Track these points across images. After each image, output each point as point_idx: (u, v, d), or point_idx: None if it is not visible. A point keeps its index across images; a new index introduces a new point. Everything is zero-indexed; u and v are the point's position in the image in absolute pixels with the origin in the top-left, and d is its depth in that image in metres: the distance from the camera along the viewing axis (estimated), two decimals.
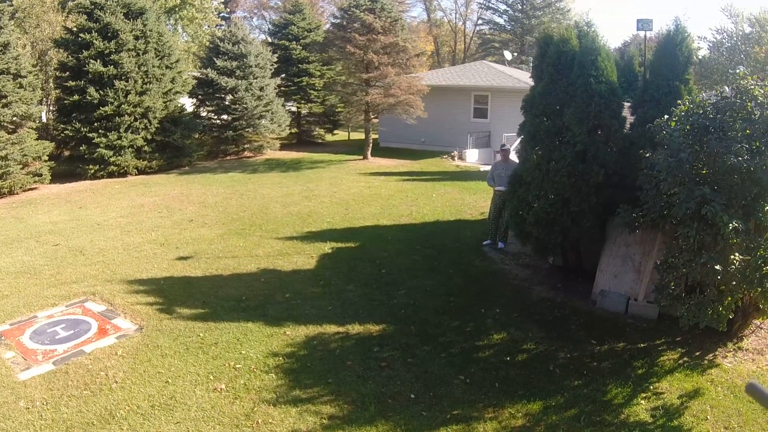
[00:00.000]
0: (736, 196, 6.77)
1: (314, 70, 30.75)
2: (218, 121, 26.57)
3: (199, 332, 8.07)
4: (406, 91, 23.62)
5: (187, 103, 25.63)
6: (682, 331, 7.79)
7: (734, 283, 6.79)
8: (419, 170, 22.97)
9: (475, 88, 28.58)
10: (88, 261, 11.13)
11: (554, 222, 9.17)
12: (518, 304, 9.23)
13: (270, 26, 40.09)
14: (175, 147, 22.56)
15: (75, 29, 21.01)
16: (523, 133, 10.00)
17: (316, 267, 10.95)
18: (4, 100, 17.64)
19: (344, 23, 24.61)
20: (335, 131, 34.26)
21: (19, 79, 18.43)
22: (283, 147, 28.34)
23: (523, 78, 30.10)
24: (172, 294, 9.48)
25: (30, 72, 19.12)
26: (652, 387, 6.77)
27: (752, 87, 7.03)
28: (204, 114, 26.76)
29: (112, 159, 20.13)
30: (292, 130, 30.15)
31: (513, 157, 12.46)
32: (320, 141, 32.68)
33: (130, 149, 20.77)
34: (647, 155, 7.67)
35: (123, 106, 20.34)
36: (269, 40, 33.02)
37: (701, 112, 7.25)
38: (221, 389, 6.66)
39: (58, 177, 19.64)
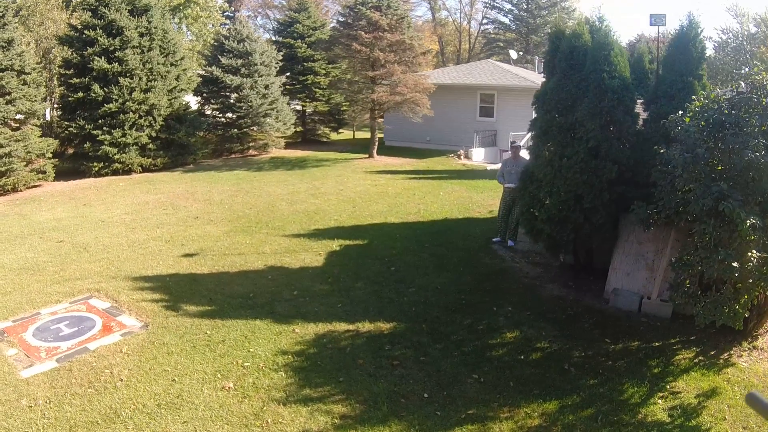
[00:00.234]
0: (752, 192, 6.63)
1: (319, 69, 30.59)
2: (223, 120, 26.42)
3: (206, 330, 7.89)
4: (412, 89, 23.46)
5: (192, 101, 25.50)
6: (696, 330, 7.68)
7: (751, 280, 6.64)
8: (425, 169, 22.80)
9: (482, 86, 28.41)
10: (93, 258, 10.97)
11: (566, 219, 9.01)
12: (530, 302, 9.04)
13: (275, 25, 39.96)
14: (180, 145, 22.43)
15: (79, 26, 20.91)
16: (535, 128, 9.83)
17: (324, 264, 10.77)
18: (8, 97, 17.54)
19: (350, 21, 24.47)
20: (340, 130, 34.12)
21: (23, 76, 18.32)
22: (287, 146, 28.22)
23: (529, 77, 29.96)
24: (178, 291, 9.31)
25: (34, 69, 19.01)
26: (668, 386, 6.61)
27: (767, 83, 6.87)
28: (209, 112, 26.65)
29: (116, 156, 19.99)
30: (297, 129, 30.00)
31: (523, 153, 12.26)
32: (325, 140, 32.53)
33: (134, 147, 20.64)
34: (662, 151, 7.54)
35: (128, 103, 20.22)
36: (274, 38, 32.90)
37: (716, 107, 7.10)
38: (229, 388, 6.48)
39: (62, 175, 19.53)
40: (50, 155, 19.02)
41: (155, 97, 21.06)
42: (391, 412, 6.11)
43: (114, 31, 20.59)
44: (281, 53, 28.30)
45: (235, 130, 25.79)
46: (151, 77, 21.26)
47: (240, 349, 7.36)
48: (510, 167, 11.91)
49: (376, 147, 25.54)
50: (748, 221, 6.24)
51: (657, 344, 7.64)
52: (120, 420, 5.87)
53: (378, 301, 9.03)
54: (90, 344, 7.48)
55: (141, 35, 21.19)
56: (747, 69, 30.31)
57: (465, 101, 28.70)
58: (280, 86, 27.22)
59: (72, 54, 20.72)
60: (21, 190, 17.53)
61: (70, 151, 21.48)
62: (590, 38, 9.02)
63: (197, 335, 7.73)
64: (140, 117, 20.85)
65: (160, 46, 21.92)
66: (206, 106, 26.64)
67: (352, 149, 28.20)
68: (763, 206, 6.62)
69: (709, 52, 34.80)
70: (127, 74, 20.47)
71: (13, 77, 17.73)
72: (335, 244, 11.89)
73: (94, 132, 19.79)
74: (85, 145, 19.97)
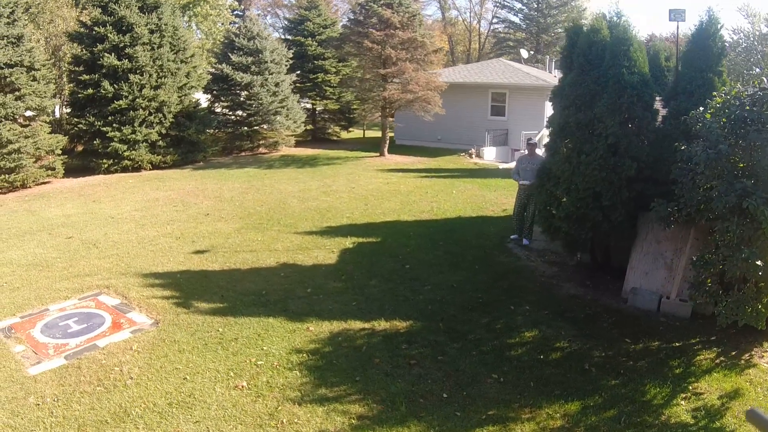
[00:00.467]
0: None
1: (330, 67, 30.43)
2: (233, 117, 26.27)
3: (218, 327, 7.69)
4: (424, 87, 23.25)
5: (202, 99, 25.38)
6: (716, 330, 7.51)
7: None
8: (437, 167, 22.61)
9: (493, 85, 28.21)
10: (102, 254, 10.81)
11: (584, 217, 8.81)
12: (547, 301, 8.84)
13: (284, 23, 39.88)
14: (190, 142, 22.30)
15: (89, 22, 20.81)
16: (552, 125, 9.66)
17: (337, 262, 10.57)
18: (17, 93, 17.44)
19: (361, 18, 24.30)
20: (350, 129, 33.97)
21: (33, 72, 18.22)
22: (297, 144, 28.07)
23: (541, 76, 29.77)
24: (189, 288, 9.12)
25: (44, 65, 18.90)
26: (690, 387, 6.41)
27: None
28: (219, 110, 26.52)
29: (126, 153, 19.87)
30: (307, 127, 29.86)
31: (537, 151, 12.07)
32: (335, 138, 32.37)
33: (144, 144, 20.52)
34: (683, 148, 7.35)
35: (137, 100, 20.09)
36: (284, 36, 32.77)
37: (738, 104, 6.90)
38: (242, 387, 6.27)
39: (71, 171, 19.43)
40: (59, 152, 18.93)
41: (165, 94, 20.92)
42: (409, 412, 5.90)
43: (124, 28, 20.48)
44: (291, 51, 28.15)
45: (245, 128, 25.65)
46: (161, 74, 21.13)
47: (253, 348, 7.15)
48: (525, 164, 11.74)
49: (387, 145, 25.35)
50: None
51: (677, 344, 7.44)
52: (130, 419, 5.68)
53: (393, 299, 8.82)
54: (99, 341, 7.29)
55: (151, 32, 21.06)
56: (758, 69, 29.98)
57: (476, 100, 28.50)
58: (291, 84, 27.06)
59: (82, 50, 20.60)
60: (30, 187, 17.43)
61: (80, 148, 21.40)
62: (609, 33, 8.84)
63: (209, 333, 7.53)
64: (150, 114, 20.72)
65: (170, 42, 21.79)
66: (216, 104, 26.53)
67: (362, 148, 28.01)
68: None
69: None
70: (137, 71, 20.34)
71: (22, 73, 17.63)
72: (348, 242, 11.69)
73: (104, 129, 19.68)
74: (95, 142, 19.86)
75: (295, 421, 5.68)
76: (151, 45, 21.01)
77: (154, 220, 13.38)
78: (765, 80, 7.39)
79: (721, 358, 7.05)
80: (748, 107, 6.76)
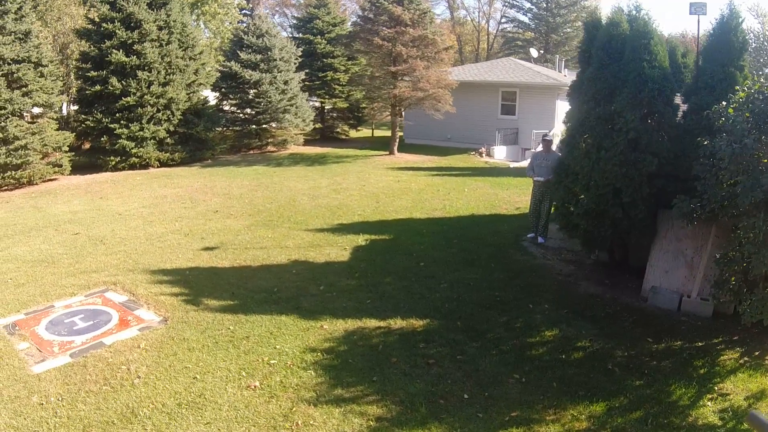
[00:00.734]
0: None
1: (339, 65, 30.23)
2: (241, 115, 26.06)
3: (229, 325, 7.43)
4: (434, 85, 23.02)
5: (210, 97, 25.21)
6: (738, 329, 7.40)
7: None
8: (447, 166, 22.38)
9: (503, 84, 27.99)
10: (109, 250, 10.58)
11: (604, 213, 8.59)
12: (566, 299, 8.59)
13: (292, 22, 39.73)
14: (198, 140, 22.12)
15: (97, 19, 20.62)
16: (570, 120, 9.47)
17: (350, 259, 10.31)
18: (24, 89, 17.26)
19: (371, 16, 24.10)
20: (359, 128, 33.76)
21: (40, 68, 18.04)
22: (306, 143, 27.86)
23: (551, 75, 29.53)
24: (199, 285, 8.87)
25: (51, 61, 18.73)
26: (716, 388, 6.19)
27: None
28: (227, 108, 26.34)
29: (133, 151, 19.69)
30: (316, 126, 29.64)
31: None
32: (344, 137, 32.17)
33: (152, 141, 20.33)
34: (705, 143, 7.14)
35: (146, 96, 19.91)
36: (293, 35, 32.61)
37: (762, 98, 6.65)
38: (255, 387, 6.00)
39: (78, 169, 19.27)
40: (66, 148, 18.74)
41: (173, 91, 20.74)
42: (430, 413, 5.63)
43: (132, 24, 20.31)
44: (300, 49, 27.94)
45: (254, 126, 25.46)
46: (169, 71, 20.95)
47: (265, 346, 6.89)
48: (540, 160, 11.57)
49: (397, 144, 25.14)
50: None
51: (700, 344, 7.23)
52: (137, 420, 5.41)
53: (408, 297, 8.56)
54: (106, 339, 7.04)
55: (159, 28, 20.89)
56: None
57: (486, 99, 28.28)
58: (299, 82, 26.84)
59: (90, 47, 20.46)
60: (37, 184, 17.26)
61: (87, 145, 21.22)
62: (628, 27, 8.65)
63: (220, 331, 7.27)
64: (158, 111, 20.54)
65: (178, 39, 21.61)
66: (224, 102, 26.34)
67: (371, 146, 27.84)
68: None
69: None
70: (146, 67, 20.16)
71: (29, 69, 17.46)
72: (360, 239, 11.44)
73: (112, 125, 19.50)
74: (102, 139, 19.69)
75: (311, 422, 5.41)
76: (160, 42, 20.83)
77: (162, 217, 13.15)
78: None
79: (745, 358, 6.85)
80: None
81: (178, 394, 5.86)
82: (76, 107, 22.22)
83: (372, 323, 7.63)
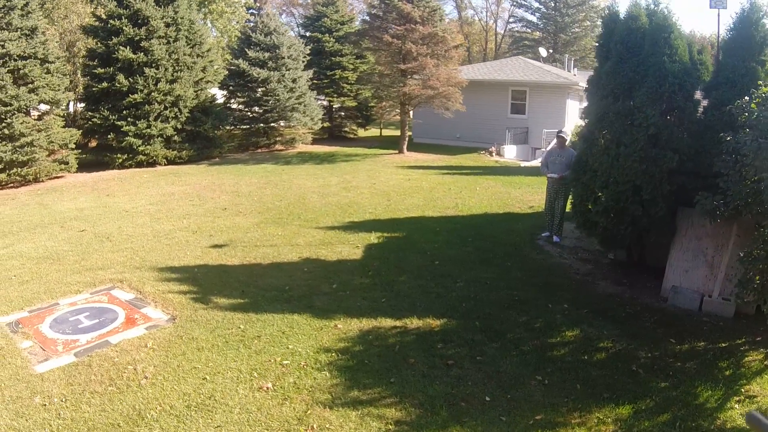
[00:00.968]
0: None
1: (347, 63, 30.03)
2: (249, 114, 25.84)
3: (239, 324, 7.16)
4: (444, 83, 22.73)
5: (218, 95, 25.02)
6: (761, 330, 7.20)
7: None
8: (458, 165, 22.12)
9: (513, 83, 27.73)
10: (116, 247, 10.35)
11: (623, 211, 8.36)
12: (585, 299, 8.33)
13: (301, 20, 39.58)
14: (206, 137, 21.94)
15: (104, 16, 20.46)
16: (588, 116, 9.24)
17: (362, 257, 10.05)
18: (30, 86, 17.07)
19: (380, 14, 23.86)
20: (367, 127, 33.55)
21: (47, 65, 17.86)
22: (314, 142, 27.68)
23: (561, 74, 29.27)
24: (207, 282, 8.62)
25: (58, 58, 18.55)
26: (743, 390, 5.93)
27: None
28: (235, 106, 26.13)
29: (140, 148, 19.51)
30: (324, 125, 29.43)
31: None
32: (352, 136, 31.96)
33: (159, 138, 20.16)
34: (728, 139, 6.90)
35: (153, 94, 19.73)
36: (300, 33, 32.45)
37: None
38: (267, 388, 5.72)
39: (84, 166, 19.11)
40: (73, 146, 18.57)
41: (181, 89, 20.54)
42: (451, 417, 5.35)
43: (140, 21, 20.16)
44: (308, 47, 27.74)
45: (261, 124, 25.24)
46: (177, 68, 20.77)
47: (278, 346, 6.61)
48: (555, 157, 11.36)
49: (406, 142, 24.90)
50: None
51: (723, 345, 6.99)
52: (144, 422, 5.15)
53: (424, 295, 8.29)
54: (111, 337, 6.78)
55: (167, 25, 20.72)
56: None
57: (496, 98, 28.03)
58: (308, 81, 26.62)
59: (97, 44, 20.30)
60: (42, 181, 17.10)
61: (93, 143, 21.10)
62: (647, 21, 8.44)
63: (230, 330, 7.00)
64: (165, 108, 20.36)
65: (186, 36, 21.43)
66: (232, 100, 26.14)
67: (380, 145, 27.62)
68: None
69: None
70: (153, 64, 19.99)
71: (36, 65, 17.30)
72: (373, 237, 11.18)
73: (119, 123, 19.33)
74: (109, 136, 19.52)
75: (327, 426, 5.13)
76: (167, 38, 20.66)
77: (169, 214, 12.93)
78: None
79: None
80: None
81: (186, 395, 5.59)
82: (82, 105, 22.04)
83: (387, 323, 7.35)
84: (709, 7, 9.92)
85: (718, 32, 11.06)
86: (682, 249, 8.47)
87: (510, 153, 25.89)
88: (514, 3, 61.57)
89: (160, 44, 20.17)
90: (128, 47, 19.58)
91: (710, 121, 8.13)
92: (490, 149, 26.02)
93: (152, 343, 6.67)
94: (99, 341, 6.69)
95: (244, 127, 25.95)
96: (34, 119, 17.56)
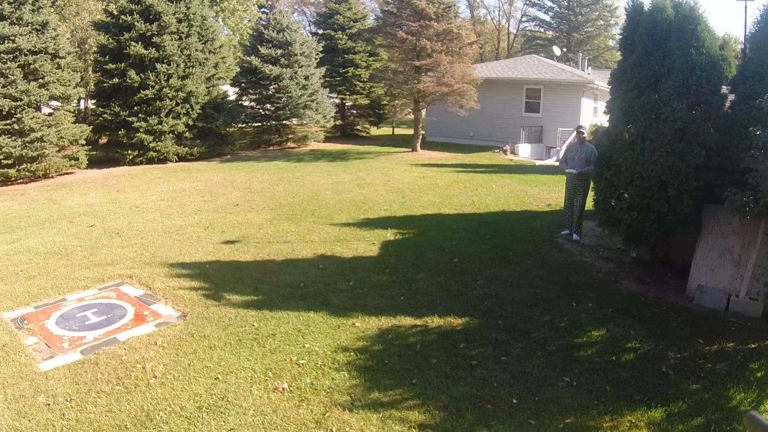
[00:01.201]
0: None
1: (360, 61, 29.78)
2: (261, 111, 25.61)
3: (253, 321, 6.86)
4: (459, 80, 22.41)
5: (229, 93, 24.79)
6: None
7: None
8: (472, 163, 21.82)
9: (527, 81, 27.42)
10: (125, 243, 10.09)
11: (648, 208, 8.06)
12: (609, 298, 8.04)
13: (312, 18, 39.39)
14: (217, 134, 21.73)
15: (116, 11, 20.25)
16: (612, 110, 8.99)
17: (379, 254, 9.74)
18: (41, 80, 16.88)
19: (394, 10, 23.57)
20: (380, 125, 33.31)
21: (58, 60, 17.65)
22: (326, 140, 27.51)
23: (576, 72, 28.95)
24: (219, 279, 8.33)
25: (69, 53, 18.35)
26: None
27: None
28: (246, 103, 25.92)
29: (151, 145, 19.30)
30: (336, 123, 29.20)
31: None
32: (364, 135, 31.71)
33: (170, 135, 19.94)
34: (758, 133, 6.76)
35: (164, 89, 19.52)
36: (314, 30, 32.25)
37: None
38: (283, 389, 5.40)
39: (94, 163, 18.95)
40: (83, 141, 18.38)
41: (193, 85, 20.32)
42: (477, 420, 5.04)
43: (151, 17, 19.96)
44: (321, 45, 27.52)
45: (273, 121, 25.01)
46: (189, 64, 20.56)
47: (293, 345, 6.30)
48: (574, 152, 11.13)
49: (420, 140, 24.60)
50: None
51: (753, 346, 6.72)
52: (153, 424, 4.85)
53: (444, 293, 7.98)
54: (120, 335, 6.50)
55: (179, 21, 20.51)
56: None
57: (510, 96, 27.73)
58: (320, 78, 26.37)
59: (108, 39, 20.08)
60: (52, 177, 16.91)
61: (104, 140, 20.95)
62: (673, 12, 8.13)
63: (243, 327, 6.70)
64: (177, 104, 20.15)
65: (198, 32, 21.24)
66: (244, 97, 25.91)
67: (393, 144, 27.36)
68: None
69: None
70: (165, 60, 19.77)
71: (46, 60, 17.08)
72: (389, 234, 10.89)
73: (129, 119, 19.13)
74: (120, 133, 19.31)
75: (347, 429, 4.82)
76: (179, 34, 20.46)
77: (180, 210, 12.67)
78: None
79: None
80: None
81: (198, 396, 5.28)
82: (93, 103, 21.88)
83: (407, 321, 7.04)
84: None
85: (745, 24, 10.74)
86: (707, 247, 8.21)
87: (524, 152, 25.59)
88: (527, 2, 61.35)
89: (171, 40, 19.95)
90: (140, 43, 19.38)
91: (737, 116, 7.82)
92: (505, 148, 25.73)
93: (162, 340, 6.38)
94: (106, 338, 6.41)
95: (256, 124, 25.71)
96: (45, 116, 17.36)
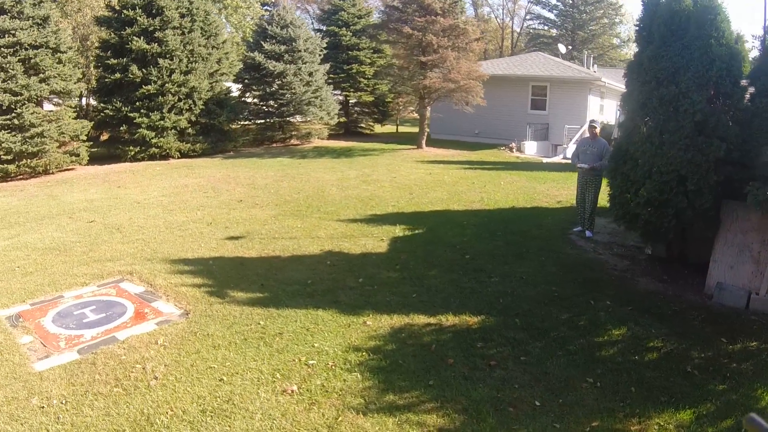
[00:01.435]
0: None
1: (364, 58, 29.46)
2: (265, 108, 25.32)
3: (259, 320, 6.55)
4: (466, 77, 22.09)
5: (233, 89, 24.51)
6: None
7: None
8: (478, 160, 21.50)
9: (533, 78, 27.10)
10: (126, 238, 9.79)
11: (667, 202, 7.77)
12: (627, 296, 7.74)
13: (315, 14, 39.13)
14: (220, 131, 21.45)
15: (118, 6, 19.97)
16: (629, 102, 8.63)
17: (388, 250, 9.43)
18: (41, 75, 16.58)
19: (399, 5, 23.26)
20: (384, 122, 33.04)
21: (59, 55, 17.36)
22: (330, 137, 27.17)
23: (583, 69, 28.68)
24: (223, 275, 8.03)
25: (70, 47, 18.07)
26: None
27: None
28: (250, 100, 25.61)
29: (153, 141, 19.02)
30: (340, 120, 28.91)
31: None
32: (368, 132, 31.42)
33: (172, 131, 19.66)
34: None
35: (167, 85, 19.23)
36: (318, 27, 31.98)
37: None
38: (292, 391, 5.08)
39: (95, 160, 18.71)
40: (84, 137, 18.07)
41: (196, 80, 20.02)
42: (499, 423, 4.73)
43: (154, 11, 19.68)
44: (325, 41, 27.21)
45: (277, 118, 24.72)
46: (191, 59, 20.25)
47: (302, 344, 5.99)
48: (586, 147, 10.86)
49: (425, 137, 24.29)
50: None
51: None
52: (153, 429, 4.54)
53: (458, 291, 7.66)
54: (119, 333, 6.19)
55: (182, 16, 20.22)
56: None
57: (516, 93, 27.41)
58: (324, 75, 26.06)
59: (110, 34, 19.80)
60: (53, 173, 16.63)
61: (105, 136, 20.69)
62: (692, 2, 7.87)
63: (248, 326, 6.39)
64: (180, 100, 19.85)
65: (201, 27, 20.94)
66: (247, 94, 25.61)
67: (397, 141, 27.04)
68: None
69: (755, 53, 33.21)
70: (167, 55, 19.49)
71: (47, 55, 16.80)
72: (397, 230, 10.58)
73: (131, 114, 18.84)
74: (121, 129, 19.04)
75: None
76: (182, 29, 20.17)
77: (183, 206, 12.38)
78: None
79: None
80: None
81: (201, 398, 4.97)
82: (94, 99, 21.60)
83: (421, 319, 6.73)
84: None
85: (765, 14, 10.46)
86: (726, 244, 7.94)
87: (530, 149, 25.31)
88: (532, 0, 60.93)
89: (174, 35, 19.66)
90: (142, 38, 19.10)
91: (758, 109, 7.56)
92: (510, 145, 25.46)
93: (163, 339, 6.07)
94: (105, 337, 6.10)
95: (259, 121, 25.42)
96: (46, 111, 17.08)
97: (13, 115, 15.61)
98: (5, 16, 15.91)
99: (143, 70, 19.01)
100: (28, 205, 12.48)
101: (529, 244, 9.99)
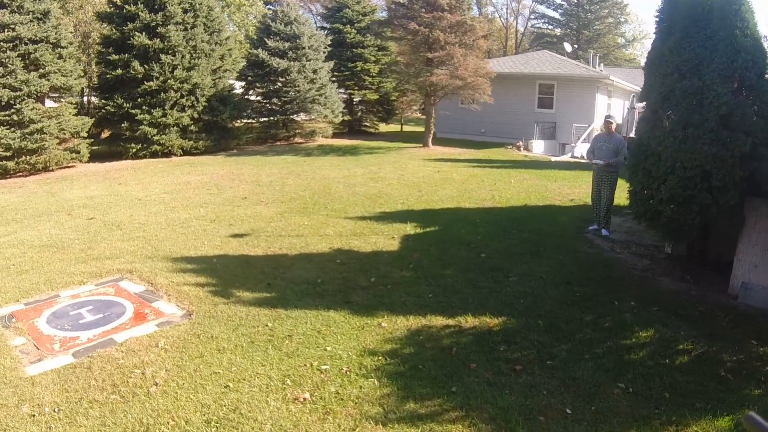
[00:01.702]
0: None
1: (369, 55, 29.11)
2: (268, 105, 24.98)
3: (266, 321, 6.16)
4: (473, 74, 21.74)
5: (236, 86, 24.18)
6: None
7: None
8: (486, 158, 21.18)
9: (540, 76, 26.81)
10: (126, 236, 9.42)
11: (691, 199, 7.44)
12: (650, 296, 7.39)
13: (319, 11, 38.85)
14: (223, 128, 21.12)
15: (119, 1, 19.60)
16: (650, 95, 8.28)
17: (400, 249, 9.06)
18: (41, 70, 16.24)
19: (405, 2, 22.93)
20: (388, 121, 32.74)
21: (59, 50, 17.00)
22: (334, 135, 26.88)
23: (590, 67, 28.40)
24: (228, 274, 7.65)
25: (71, 43, 17.70)
26: None
27: None
28: (253, 97, 25.29)
29: (155, 138, 18.67)
30: (345, 118, 28.57)
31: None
32: (373, 131, 31.12)
33: (175, 128, 19.32)
34: None
35: (169, 81, 18.89)
36: (322, 24, 31.67)
37: None
38: (304, 399, 4.68)
39: (96, 157, 18.37)
40: (85, 134, 17.72)
41: (198, 76, 19.67)
42: None
43: (156, 6, 19.34)
44: (329, 39, 26.88)
45: (281, 116, 24.38)
46: (194, 55, 19.92)
47: (313, 348, 5.59)
48: (601, 143, 10.58)
49: (431, 136, 23.94)
50: None
51: None
52: None
53: (476, 291, 7.28)
54: (117, 335, 5.81)
55: (184, 11, 19.88)
56: None
57: (522, 92, 27.13)
58: (328, 72, 25.72)
59: (111, 30, 19.47)
60: (53, 170, 16.29)
61: (106, 134, 20.37)
62: None
63: (255, 328, 6.00)
64: (182, 96, 19.51)
65: (204, 23, 20.60)
66: (251, 91, 25.26)
67: (402, 140, 26.75)
68: None
69: None
70: (169, 51, 19.16)
71: (47, 50, 16.43)
72: (408, 228, 10.21)
73: (133, 111, 18.49)
74: (123, 125, 18.66)
75: None
76: (185, 25, 19.83)
77: (185, 203, 12.01)
78: None
79: None
80: None
81: (205, 407, 4.57)
82: (96, 96, 21.28)
83: (439, 321, 6.34)
84: None
85: None
86: (750, 242, 7.62)
87: (538, 148, 25.01)
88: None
89: (177, 30, 19.31)
90: (144, 33, 18.76)
91: None
92: (518, 144, 25.19)
93: (164, 342, 5.68)
94: (102, 339, 5.71)
95: (263, 120, 25.09)
96: (46, 107, 16.75)
97: (13, 110, 15.27)
98: (5, 10, 15.57)
99: (145, 66, 18.67)
100: (26, 202, 12.14)
101: (545, 242, 9.64)
